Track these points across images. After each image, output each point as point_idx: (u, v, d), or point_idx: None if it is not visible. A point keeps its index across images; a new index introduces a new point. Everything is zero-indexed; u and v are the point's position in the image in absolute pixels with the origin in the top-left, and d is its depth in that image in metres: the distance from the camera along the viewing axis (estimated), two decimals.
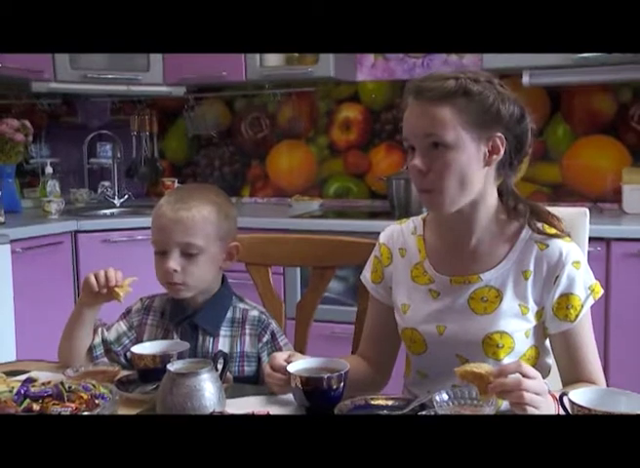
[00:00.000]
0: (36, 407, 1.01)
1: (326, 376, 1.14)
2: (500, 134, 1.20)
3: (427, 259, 1.32)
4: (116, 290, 1.33)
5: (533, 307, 1.24)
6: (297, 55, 3.21)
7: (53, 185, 3.36)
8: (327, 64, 3.06)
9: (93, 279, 1.34)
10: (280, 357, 1.21)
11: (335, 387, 1.15)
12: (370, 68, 3.31)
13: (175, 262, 1.35)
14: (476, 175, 1.21)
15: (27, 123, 3.19)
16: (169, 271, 1.35)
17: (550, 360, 1.32)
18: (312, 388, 1.14)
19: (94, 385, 1.10)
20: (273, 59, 3.20)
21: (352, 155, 3.38)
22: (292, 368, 1.17)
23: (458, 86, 1.18)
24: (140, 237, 2.93)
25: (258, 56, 3.16)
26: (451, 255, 1.30)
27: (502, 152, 1.21)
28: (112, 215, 3.36)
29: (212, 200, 1.40)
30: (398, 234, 1.38)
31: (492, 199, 1.26)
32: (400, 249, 1.36)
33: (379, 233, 1.44)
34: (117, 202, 3.52)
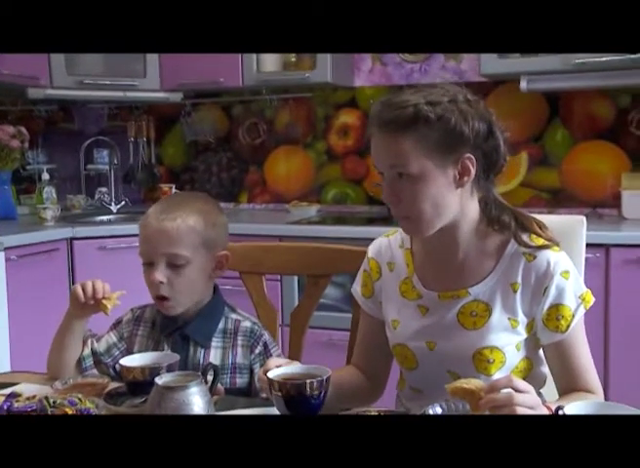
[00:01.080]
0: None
1: (306, 382, 1.08)
2: (467, 154, 1.16)
3: (415, 274, 1.29)
4: (104, 302, 1.31)
5: (523, 320, 1.21)
6: (294, 60, 3.19)
7: (49, 192, 3.33)
8: (324, 70, 3.04)
9: (80, 290, 1.31)
10: (275, 362, 1.17)
11: (315, 394, 1.08)
12: (367, 74, 3.29)
13: (161, 274, 1.32)
14: (450, 199, 1.18)
15: (23, 129, 3.17)
16: (155, 282, 1.32)
17: (545, 369, 1.30)
18: (291, 394, 1.08)
19: (80, 399, 1.07)
20: (270, 65, 3.18)
21: (350, 161, 3.36)
22: (272, 373, 1.11)
23: (416, 114, 1.14)
24: (136, 244, 2.90)
25: (255, 61, 3.14)
26: (438, 270, 1.27)
27: (474, 172, 1.17)
28: (109, 222, 3.33)
29: (198, 209, 1.37)
30: (386, 248, 1.35)
31: (473, 214, 1.23)
32: (389, 263, 1.34)
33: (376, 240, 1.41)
34: (114, 208, 3.50)
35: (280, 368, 1.13)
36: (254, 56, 3.13)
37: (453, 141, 1.15)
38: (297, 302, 2.74)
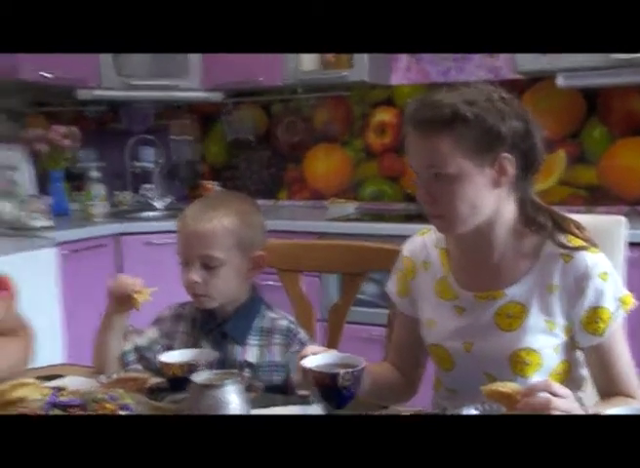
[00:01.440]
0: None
1: (340, 372, 1.04)
2: (505, 153, 1.12)
3: (451, 274, 1.25)
4: (135, 296, 1.30)
5: (560, 322, 1.17)
6: (332, 59, 3.16)
7: (98, 189, 3.37)
8: (361, 68, 3.00)
9: (114, 285, 1.32)
10: (312, 349, 1.14)
11: (347, 384, 1.04)
12: (404, 71, 3.23)
13: (196, 274, 1.32)
14: (487, 198, 1.14)
15: (75, 129, 3.21)
16: (190, 283, 1.32)
17: (584, 371, 1.25)
18: (325, 383, 1.05)
19: (121, 395, 1.07)
20: (309, 64, 3.16)
21: (387, 158, 3.31)
22: (307, 362, 1.09)
23: (453, 114, 1.10)
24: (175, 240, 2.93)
25: (294, 60, 3.12)
26: (474, 270, 1.23)
27: (511, 172, 1.13)
28: (154, 218, 3.35)
29: (234, 209, 1.36)
30: (421, 247, 1.32)
31: (509, 214, 1.19)
32: (424, 262, 1.30)
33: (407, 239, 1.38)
34: (159, 204, 3.52)
35: (317, 355, 1.11)
36: (293, 55, 3.11)
37: (490, 141, 1.11)
38: (337, 297, 2.74)
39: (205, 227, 1.31)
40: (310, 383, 1.07)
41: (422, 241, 1.33)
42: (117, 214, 3.22)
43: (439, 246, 1.29)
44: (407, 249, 1.35)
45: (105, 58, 3.17)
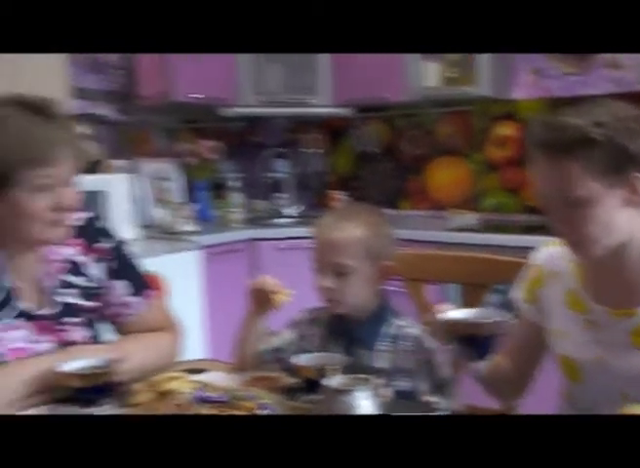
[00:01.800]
0: (208, 412, 1.01)
1: (488, 320, 1.12)
2: (636, 173, 1.03)
3: (583, 288, 1.17)
4: (274, 297, 1.32)
5: None
6: (455, 75, 3.09)
7: (237, 197, 3.48)
8: (484, 84, 2.92)
9: (254, 285, 1.35)
10: (447, 307, 1.20)
11: (491, 334, 1.14)
12: (525, 86, 3.10)
13: (328, 281, 1.32)
14: (619, 220, 1.05)
15: (219, 143, 3.33)
16: (323, 288, 1.33)
17: None
18: (469, 333, 1.13)
19: (260, 394, 1.08)
20: (433, 80, 3.11)
21: (508, 171, 3.18)
22: (451, 314, 1.15)
23: (581, 137, 1.01)
24: (305, 245, 2.95)
25: (419, 77, 3.08)
26: (608, 286, 1.14)
27: None
28: (286, 225, 3.42)
29: (366, 221, 1.35)
30: (553, 257, 1.24)
31: None
32: (554, 272, 1.23)
33: (535, 248, 1.31)
34: (291, 212, 3.58)
35: (454, 311, 1.16)
36: (417, 72, 3.08)
37: (620, 162, 1.02)
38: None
39: (338, 237, 1.31)
40: (452, 335, 1.11)
41: (553, 252, 1.25)
42: (253, 221, 3.31)
43: (570, 258, 1.21)
44: (537, 258, 1.28)
45: (244, 79, 3.28)
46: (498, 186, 3.23)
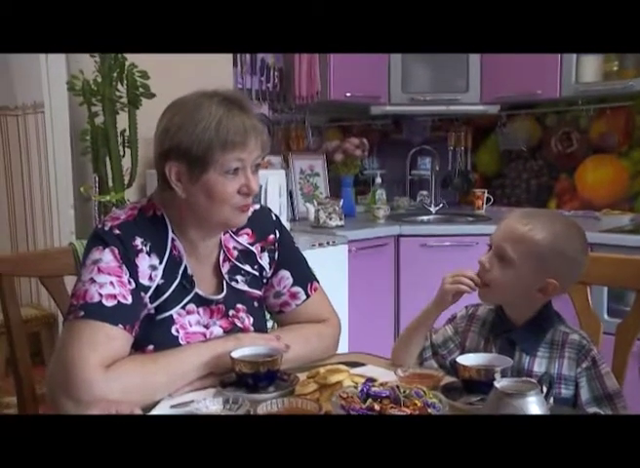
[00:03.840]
0: (377, 406, 0.98)
1: None
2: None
3: None
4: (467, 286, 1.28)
5: None
6: (615, 69, 2.86)
7: (380, 194, 3.46)
8: None
9: (452, 281, 1.29)
10: None
11: None
12: None
13: (487, 258, 1.26)
14: None
15: (365, 140, 3.33)
16: (480, 262, 1.27)
17: None
18: None
19: (424, 392, 1.04)
20: (589, 75, 2.89)
21: None
22: None
23: None
24: (447, 243, 2.88)
25: (574, 72, 2.88)
26: None
27: None
28: (429, 222, 3.35)
29: (554, 231, 1.23)
30: None
31: None
32: None
33: None
34: (433, 209, 3.50)
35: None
36: (573, 67, 2.88)
37: None
38: (605, 312, 2.49)
39: (518, 227, 1.24)
40: None
41: None
42: (396, 217, 3.27)
43: None
44: None
45: (395, 77, 3.24)
46: None
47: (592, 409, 1.21)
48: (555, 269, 1.24)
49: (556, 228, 1.24)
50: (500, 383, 1.01)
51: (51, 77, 2.50)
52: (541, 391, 1.02)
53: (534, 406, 0.97)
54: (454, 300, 1.30)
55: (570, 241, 1.25)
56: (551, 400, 1.15)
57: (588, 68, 2.89)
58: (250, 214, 1.34)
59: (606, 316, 2.47)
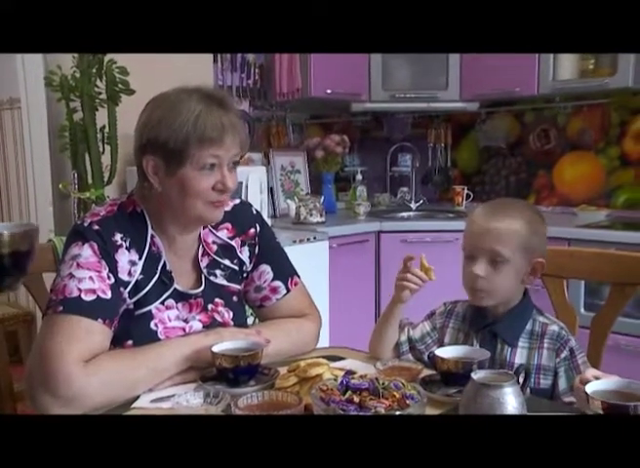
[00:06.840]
0: (356, 399, 0.99)
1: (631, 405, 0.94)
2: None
3: None
4: (428, 273, 1.30)
5: None
6: (592, 67, 2.90)
7: (361, 190, 3.48)
8: (625, 74, 2.71)
9: (408, 259, 1.31)
10: (593, 373, 1.07)
11: None
12: None
13: (480, 269, 1.26)
14: None
15: (345, 137, 3.34)
16: (473, 275, 1.27)
17: None
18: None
19: (403, 384, 1.05)
20: (566, 73, 2.93)
21: None
22: (590, 387, 0.99)
23: None
24: (428, 239, 2.90)
25: (551, 70, 2.91)
26: None
27: None
28: (409, 218, 3.37)
29: (524, 215, 1.28)
30: None
31: None
32: None
33: None
34: (413, 206, 3.53)
35: (600, 380, 1.00)
36: (550, 65, 2.91)
37: None
38: (582, 306, 2.53)
39: (497, 226, 1.26)
40: (599, 410, 0.95)
41: None
42: (376, 214, 3.29)
43: None
44: None
45: (376, 75, 3.26)
46: (633, 182, 3.00)
47: (569, 399, 1.23)
48: (537, 248, 1.29)
49: (524, 213, 1.29)
50: (477, 375, 1.02)
51: (27, 73, 2.47)
52: (518, 382, 1.04)
53: (510, 396, 0.99)
54: (411, 295, 1.32)
55: (536, 218, 1.31)
56: (528, 390, 1.17)
57: (565, 66, 2.92)
58: (229, 208, 1.34)
59: (582, 310, 2.51)
